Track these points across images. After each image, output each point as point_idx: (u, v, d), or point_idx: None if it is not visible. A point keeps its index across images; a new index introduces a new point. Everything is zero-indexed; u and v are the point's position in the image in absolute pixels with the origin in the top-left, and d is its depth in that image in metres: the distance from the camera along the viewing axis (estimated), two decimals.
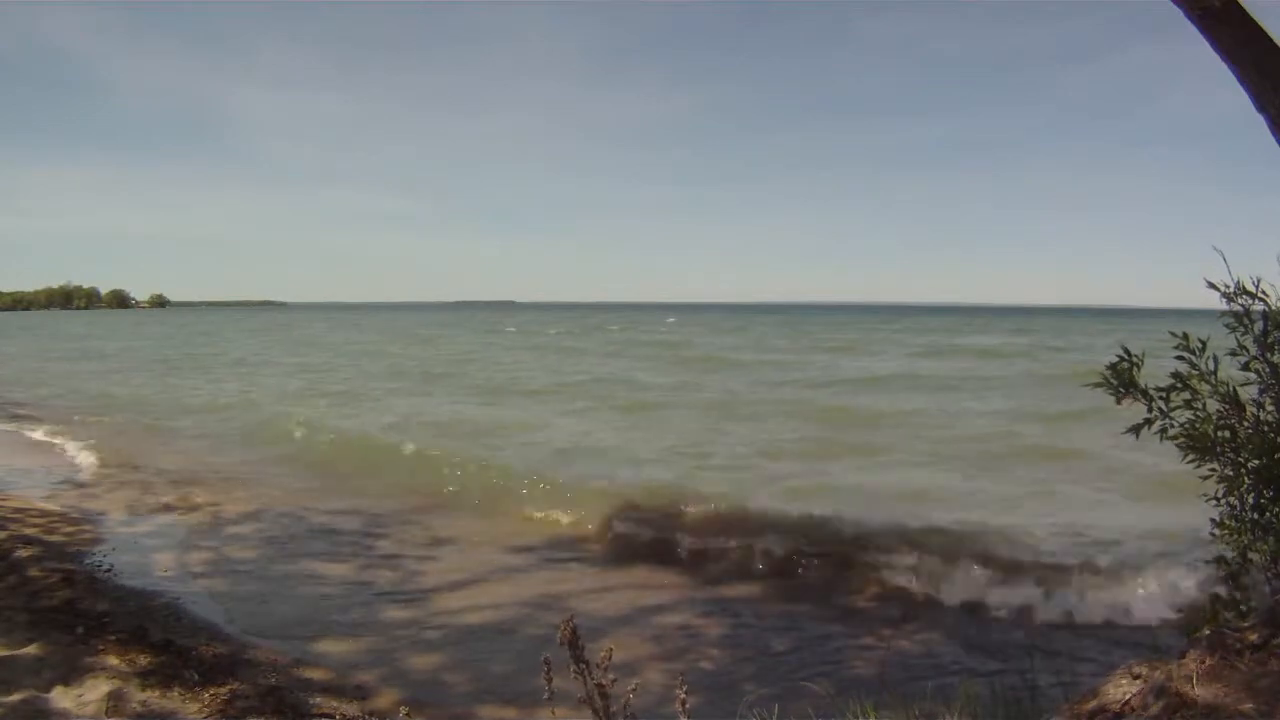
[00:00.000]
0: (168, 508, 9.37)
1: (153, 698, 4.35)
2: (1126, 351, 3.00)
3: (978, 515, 8.70)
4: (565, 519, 8.96)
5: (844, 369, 27.61)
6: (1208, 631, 2.39)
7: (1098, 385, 3.08)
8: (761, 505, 9.43)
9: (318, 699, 4.68)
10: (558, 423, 15.60)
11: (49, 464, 11.96)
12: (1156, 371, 3.01)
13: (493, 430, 14.63)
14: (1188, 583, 6.24)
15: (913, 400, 18.67)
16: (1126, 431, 3.01)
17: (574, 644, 1.37)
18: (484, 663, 5.38)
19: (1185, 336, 2.90)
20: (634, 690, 1.48)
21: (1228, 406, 2.87)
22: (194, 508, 9.40)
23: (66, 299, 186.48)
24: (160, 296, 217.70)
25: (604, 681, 1.38)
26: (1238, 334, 2.84)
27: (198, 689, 4.54)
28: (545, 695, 1.41)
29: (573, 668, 1.39)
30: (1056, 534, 8.17)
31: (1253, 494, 2.86)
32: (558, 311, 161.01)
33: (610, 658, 1.42)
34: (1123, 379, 3.00)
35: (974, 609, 6.30)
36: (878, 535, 8.31)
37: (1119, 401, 3.06)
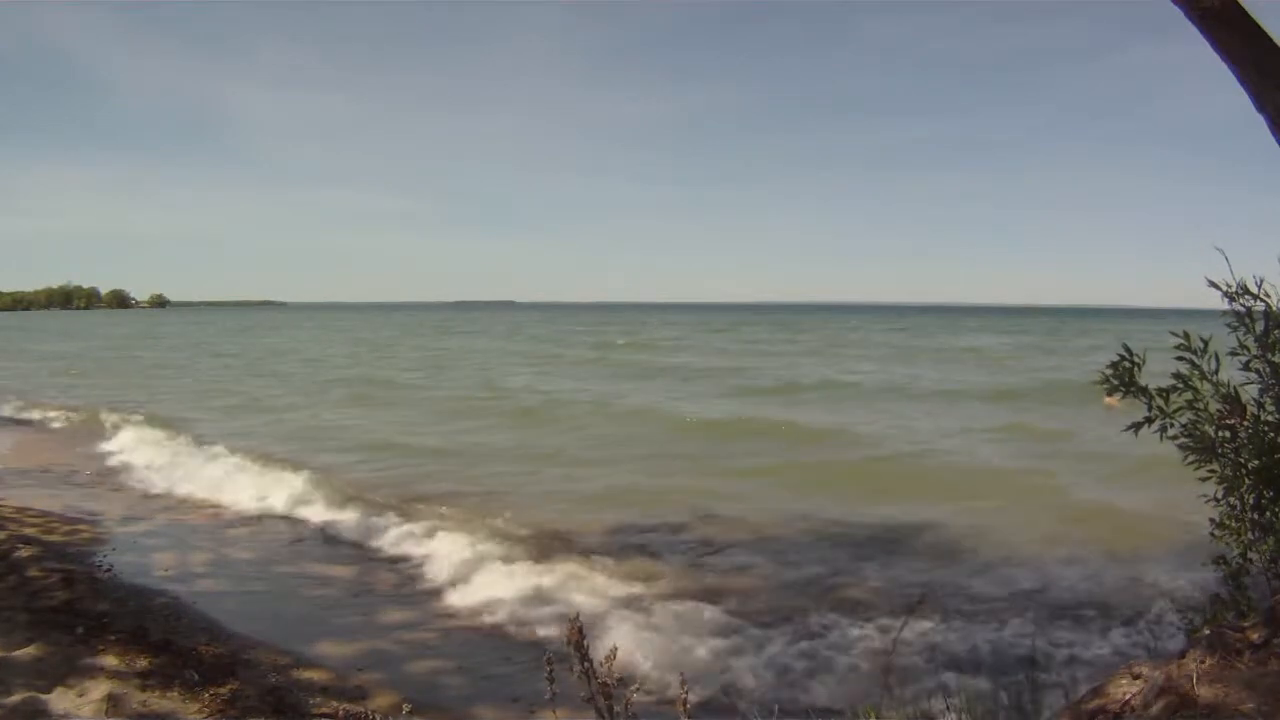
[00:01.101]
0: (167, 508, 9.37)
1: (152, 698, 4.35)
2: (1128, 350, 3.00)
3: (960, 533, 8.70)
4: (562, 520, 8.96)
5: (805, 374, 26.75)
6: (1208, 631, 2.39)
7: (1099, 384, 3.09)
8: (761, 507, 9.44)
9: (317, 699, 4.68)
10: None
11: None
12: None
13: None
14: (1188, 583, 6.24)
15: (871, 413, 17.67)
16: (1127, 430, 3.01)
17: (580, 644, 1.37)
18: (483, 663, 5.38)
19: (1186, 336, 2.90)
20: (636, 690, 1.48)
21: (1229, 406, 2.87)
22: (194, 508, 9.41)
23: (66, 299, 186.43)
24: (160, 296, 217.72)
25: (608, 680, 1.38)
26: (1239, 334, 2.84)
27: (198, 689, 4.53)
28: (547, 695, 1.41)
29: (577, 667, 1.39)
30: (1055, 536, 8.19)
31: (1253, 494, 2.86)
32: (554, 312, 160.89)
33: (615, 656, 1.42)
34: (1123, 379, 3.00)
35: (975, 608, 6.30)
36: (876, 538, 8.32)
37: (1110, 394, 3.06)
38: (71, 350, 41.52)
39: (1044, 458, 12.31)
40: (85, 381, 24.79)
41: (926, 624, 5.83)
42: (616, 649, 1.45)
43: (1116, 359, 3.00)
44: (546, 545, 7.90)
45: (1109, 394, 3.06)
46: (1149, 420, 2.96)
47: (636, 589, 6.68)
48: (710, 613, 6.15)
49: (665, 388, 22.67)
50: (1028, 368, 28.91)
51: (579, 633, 1.37)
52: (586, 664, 1.36)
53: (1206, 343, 2.87)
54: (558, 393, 20.91)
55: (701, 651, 5.51)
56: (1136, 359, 2.96)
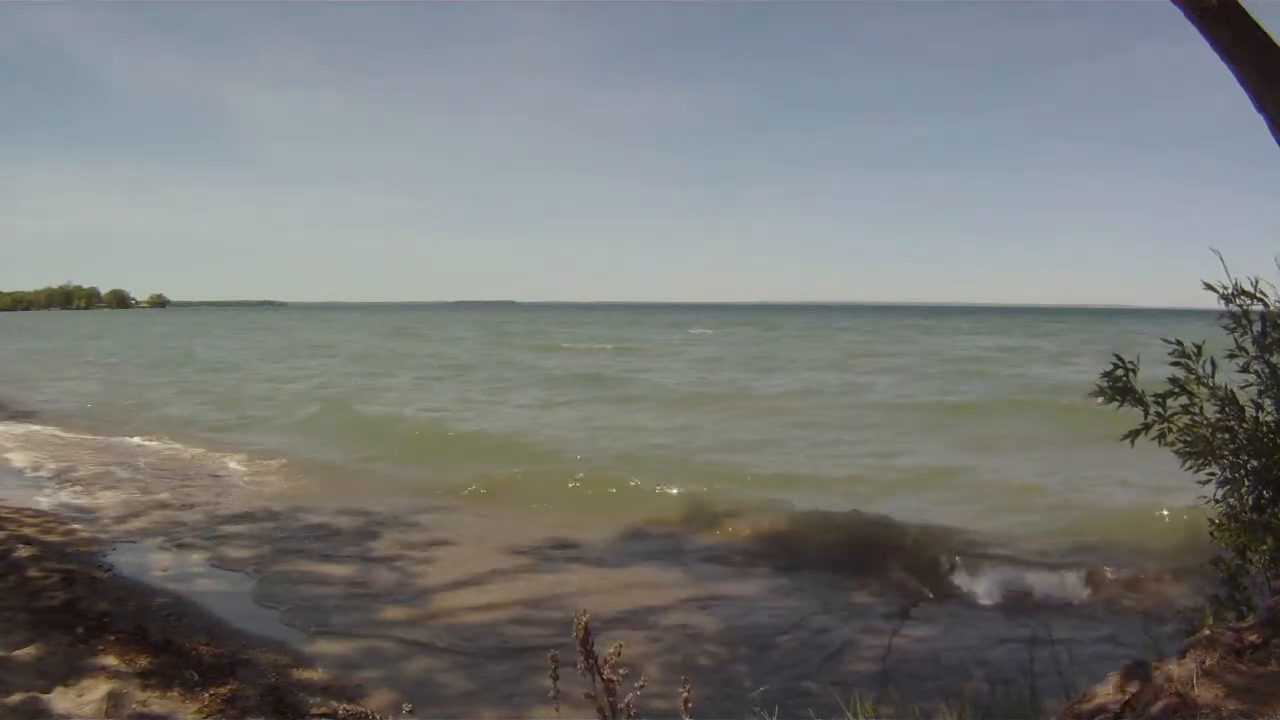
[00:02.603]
0: (165, 506, 9.37)
1: (152, 698, 4.35)
2: (1120, 359, 3.01)
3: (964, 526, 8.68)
4: (564, 518, 8.97)
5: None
6: (1208, 631, 2.39)
7: (1095, 395, 3.10)
8: (761, 505, 9.44)
9: (317, 699, 4.67)
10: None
11: None
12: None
13: None
14: (1187, 583, 6.25)
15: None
16: (1124, 438, 3.02)
17: (586, 641, 1.37)
18: (483, 663, 5.38)
19: (1180, 343, 2.91)
20: (640, 688, 1.48)
21: (1226, 409, 2.88)
22: (192, 506, 9.40)
23: (66, 299, 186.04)
24: (160, 296, 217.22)
25: (613, 678, 1.38)
26: (1236, 335, 2.85)
27: (197, 689, 4.53)
28: (550, 694, 1.41)
29: (582, 664, 1.39)
30: (1056, 537, 8.19)
31: (1252, 494, 2.87)
32: (549, 312, 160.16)
33: (620, 654, 1.43)
34: (1118, 386, 3.01)
35: (974, 609, 6.31)
36: (878, 536, 8.32)
37: (1105, 403, 3.06)
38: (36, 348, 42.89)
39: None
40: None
41: (925, 626, 5.83)
42: (622, 646, 1.46)
43: (1110, 367, 3.01)
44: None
45: (1107, 401, 3.06)
46: (1146, 427, 2.97)
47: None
48: None
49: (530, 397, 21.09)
50: (1014, 374, 26.23)
51: (585, 629, 1.37)
52: (591, 661, 1.36)
53: (1200, 347, 2.88)
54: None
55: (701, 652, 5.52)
56: (1131, 365, 2.97)
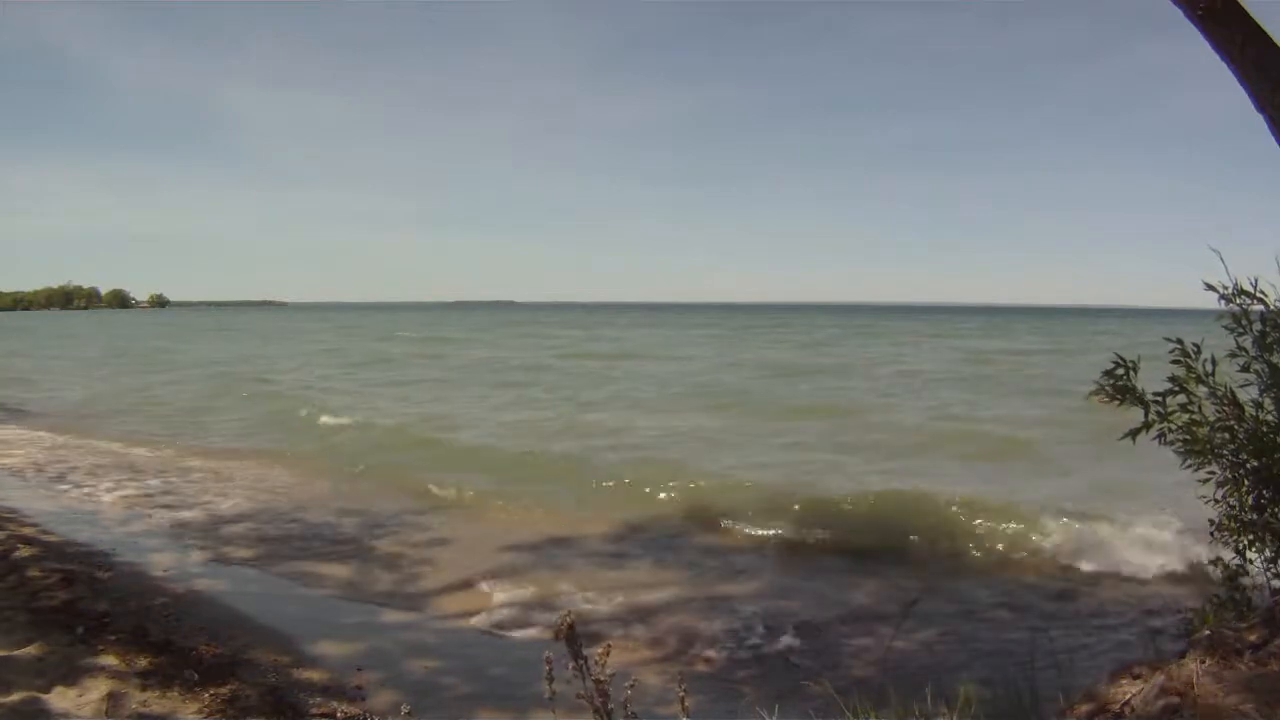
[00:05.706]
0: (166, 507, 9.37)
1: (152, 698, 4.35)
2: (1121, 359, 3.01)
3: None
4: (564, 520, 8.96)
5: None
6: (1207, 632, 2.39)
7: (1095, 394, 3.10)
8: (760, 506, 9.43)
9: (317, 699, 4.67)
10: None
11: None
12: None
13: None
14: (1187, 583, 6.24)
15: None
16: (1124, 436, 3.01)
17: (572, 640, 1.37)
18: (482, 664, 5.37)
19: (1180, 342, 2.92)
20: (631, 687, 1.47)
21: (1226, 408, 2.87)
22: (192, 506, 9.41)
23: (66, 299, 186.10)
24: (160, 296, 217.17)
25: (603, 678, 1.38)
26: (1236, 335, 2.85)
27: (197, 689, 4.53)
28: (546, 695, 1.41)
29: (571, 665, 1.39)
30: (1053, 538, 8.18)
31: (1252, 494, 2.87)
32: (549, 312, 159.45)
33: (609, 654, 1.42)
34: (1119, 386, 3.01)
35: (974, 609, 6.30)
36: (876, 536, 8.31)
37: (1106, 401, 3.06)
38: None
39: None
40: None
41: (925, 626, 5.82)
42: (610, 646, 1.46)
43: (1111, 365, 3.01)
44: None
45: (1107, 399, 3.06)
46: (1147, 426, 2.97)
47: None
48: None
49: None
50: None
51: (571, 629, 1.37)
52: (581, 661, 1.36)
53: (1199, 346, 2.88)
54: None
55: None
56: (1131, 364, 2.97)
